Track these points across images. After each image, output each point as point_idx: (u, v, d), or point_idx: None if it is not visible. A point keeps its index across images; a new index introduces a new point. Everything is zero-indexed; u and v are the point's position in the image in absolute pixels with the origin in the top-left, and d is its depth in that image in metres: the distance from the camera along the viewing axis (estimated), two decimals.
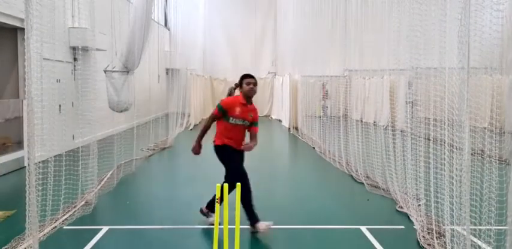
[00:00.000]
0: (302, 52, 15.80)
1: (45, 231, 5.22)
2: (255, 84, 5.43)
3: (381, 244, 4.94)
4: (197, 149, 5.57)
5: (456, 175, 4.16)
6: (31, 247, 4.48)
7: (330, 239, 5.24)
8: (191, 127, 17.62)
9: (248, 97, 5.41)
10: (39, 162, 5.81)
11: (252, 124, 5.44)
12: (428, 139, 6.28)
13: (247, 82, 5.43)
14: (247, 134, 5.48)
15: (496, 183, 4.65)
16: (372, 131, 8.81)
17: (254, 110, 5.49)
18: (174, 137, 13.84)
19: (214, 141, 5.44)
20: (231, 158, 5.37)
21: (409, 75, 6.40)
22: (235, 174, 5.29)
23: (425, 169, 5.82)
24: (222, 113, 5.32)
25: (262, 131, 18.26)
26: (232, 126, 5.31)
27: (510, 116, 9.48)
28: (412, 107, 6.57)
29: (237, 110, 5.28)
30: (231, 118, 5.29)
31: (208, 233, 5.25)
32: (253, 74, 5.76)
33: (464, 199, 3.93)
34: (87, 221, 5.78)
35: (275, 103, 22.69)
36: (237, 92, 5.66)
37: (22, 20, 8.30)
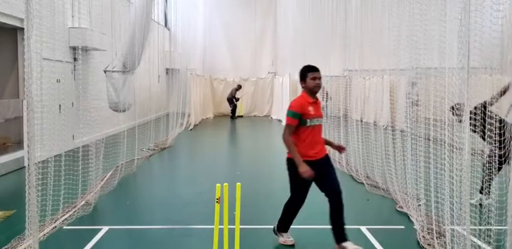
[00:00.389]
0: (302, 52, 15.80)
1: (45, 231, 5.22)
2: (320, 78, 4.69)
3: (381, 244, 4.94)
4: (309, 170, 4.48)
5: (456, 175, 4.16)
6: (31, 247, 4.47)
7: (330, 239, 5.23)
8: (191, 127, 17.62)
9: (314, 93, 4.71)
10: (39, 162, 5.82)
11: None
12: (428, 139, 6.28)
13: (312, 77, 4.64)
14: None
15: (496, 183, 4.65)
16: (372, 131, 8.81)
17: (320, 103, 4.84)
18: (174, 137, 13.84)
19: (288, 152, 4.68)
20: (301, 178, 4.53)
21: (408, 75, 6.39)
22: (295, 197, 4.80)
23: (425, 169, 5.82)
24: (298, 119, 4.55)
25: (263, 131, 18.29)
26: (312, 129, 4.62)
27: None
28: (412, 107, 6.57)
29: (311, 109, 4.60)
30: (308, 121, 4.58)
31: (208, 233, 5.24)
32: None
33: (464, 199, 3.93)
34: (87, 221, 5.78)
35: (275, 103, 22.68)
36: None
37: (22, 20, 8.30)
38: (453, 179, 4.26)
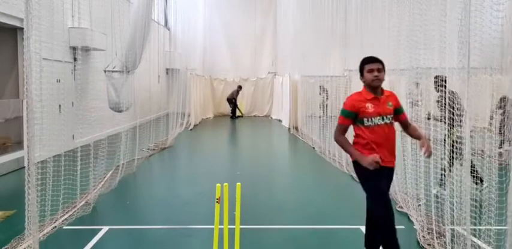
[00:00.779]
0: (302, 52, 15.80)
1: (45, 231, 5.22)
2: (380, 69, 4.00)
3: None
4: (373, 159, 3.84)
5: (456, 175, 4.16)
6: (31, 247, 4.48)
7: (330, 239, 5.23)
8: (191, 127, 17.62)
9: (373, 88, 4.03)
10: (39, 162, 5.82)
11: (397, 113, 4.15)
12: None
13: (369, 69, 4.01)
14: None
15: (496, 183, 4.65)
16: None
17: (390, 97, 4.13)
18: (174, 137, 13.84)
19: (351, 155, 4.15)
20: (374, 178, 3.97)
21: (409, 75, 6.39)
22: (378, 205, 4.04)
23: (426, 169, 5.82)
24: (352, 118, 4.01)
25: (263, 131, 18.29)
26: (372, 129, 3.98)
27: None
28: (412, 107, 6.57)
29: (369, 106, 3.96)
30: (366, 120, 3.97)
31: (208, 233, 5.24)
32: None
33: (464, 199, 3.93)
34: (87, 221, 5.78)
35: (275, 103, 22.68)
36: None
37: (22, 20, 8.30)
38: (453, 179, 4.26)
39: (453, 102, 4.65)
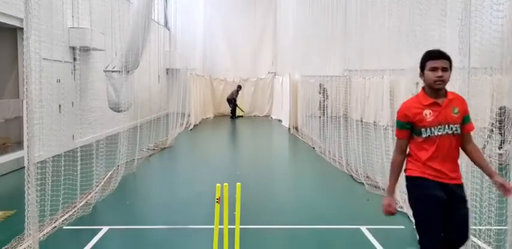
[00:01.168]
0: (302, 52, 15.80)
1: (45, 231, 5.21)
2: (446, 68, 3.22)
3: (381, 244, 4.93)
4: (391, 207, 3.33)
5: None
6: (31, 247, 4.48)
7: (330, 239, 5.23)
8: (191, 127, 17.62)
9: (435, 90, 3.24)
10: (39, 162, 5.81)
11: (463, 123, 3.28)
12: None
13: (431, 67, 3.23)
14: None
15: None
16: (372, 131, 8.80)
17: (455, 100, 3.29)
18: (174, 137, 13.84)
19: (405, 169, 3.39)
20: (427, 211, 3.18)
21: (409, 76, 6.40)
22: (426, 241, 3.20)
23: None
24: (407, 130, 3.29)
25: (263, 131, 18.29)
26: (432, 142, 3.21)
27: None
28: None
29: (427, 114, 3.21)
30: (423, 131, 3.22)
31: (208, 233, 5.24)
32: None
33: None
34: (87, 221, 5.78)
35: (275, 103, 22.68)
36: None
37: (22, 20, 8.28)
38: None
39: None
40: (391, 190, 3.39)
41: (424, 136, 3.22)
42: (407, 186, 3.34)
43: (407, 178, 3.33)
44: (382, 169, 7.74)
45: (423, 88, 3.33)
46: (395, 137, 3.49)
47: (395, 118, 3.42)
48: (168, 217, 6.02)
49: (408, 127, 3.27)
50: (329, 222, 5.79)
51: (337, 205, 6.79)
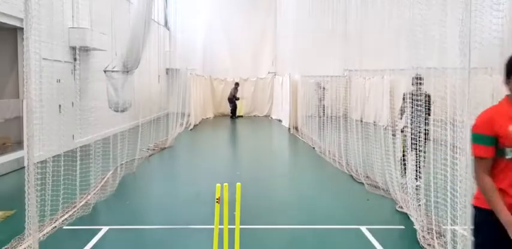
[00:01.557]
0: (302, 52, 15.80)
1: (45, 231, 5.21)
2: None
3: (381, 244, 4.93)
4: None
5: (460, 175, 4.15)
6: (31, 247, 4.48)
7: (330, 239, 5.23)
8: (191, 127, 17.62)
9: None
10: (39, 162, 5.81)
11: None
12: (429, 139, 6.28)
13: None
14: None
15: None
16: (372, 131, 8.80)
17: None
18: (174, 137, 13.85)
19: (475, 198, 2.82)
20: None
21: (409, 75, 6.42)
22: None
23: (426, 169, 5.82)
24: (492, 146, 2.62)
25: (263, 131, 18.29)
26: None
27: None
28: (413, 107, 6.57)
29: None
30: (508, 150, 2.59)
31: (208, 233, 5.24)
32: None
33: (465, 199, 3.92)
34: (87, 221, 5.78)
35: (275, 103, 22.68)
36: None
37: (22, 20, 8.28)
38: (454, 179, 4.26)
39: (425, 102, 5.24)
40: (508, 218, 2.52)
41: (508, 157, 2.59)
42: (475, 219, 2.76)
43: (477, 209, 2.75)
44: (382, 169, 7.75)
45: (507, 96, 2.73)
46: (471, 156, 2.78)
47: (469, 133, 2.77)
48: (168, 217, 6.02)
49: (490, 141, 2.61)
50: (329, 223, 5.79)
51: (337, 205, 6.79)
